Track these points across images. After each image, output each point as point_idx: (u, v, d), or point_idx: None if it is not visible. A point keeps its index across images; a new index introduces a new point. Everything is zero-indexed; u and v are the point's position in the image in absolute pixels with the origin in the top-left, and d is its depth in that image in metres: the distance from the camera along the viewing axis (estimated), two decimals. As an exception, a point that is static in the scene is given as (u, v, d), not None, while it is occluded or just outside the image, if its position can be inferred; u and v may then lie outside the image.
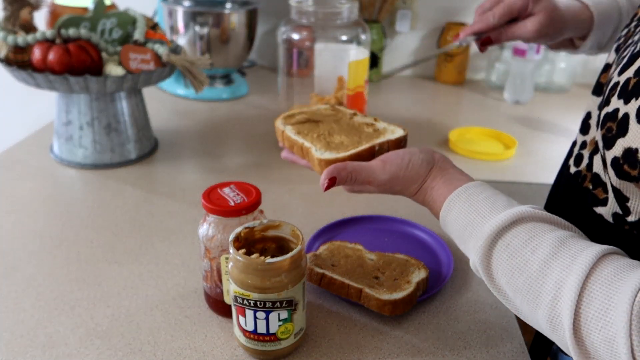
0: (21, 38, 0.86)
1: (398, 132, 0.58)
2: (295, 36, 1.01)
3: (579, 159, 0.55)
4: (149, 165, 0.97)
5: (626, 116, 0.42)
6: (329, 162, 0.54)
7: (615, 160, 0.43)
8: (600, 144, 0.46)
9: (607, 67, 0.54)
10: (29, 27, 0.91)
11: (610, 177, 0.45)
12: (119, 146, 0.95)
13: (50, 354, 0.56)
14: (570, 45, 0.76)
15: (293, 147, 0.59)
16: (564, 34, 0.72)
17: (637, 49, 0.45)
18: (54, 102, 0.94)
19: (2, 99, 1.69)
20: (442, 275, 0.68)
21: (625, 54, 0.48)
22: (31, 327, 0.59)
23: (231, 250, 0.52)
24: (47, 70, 0.84)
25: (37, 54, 0.85)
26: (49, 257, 0.71)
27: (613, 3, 0.71)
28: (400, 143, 0.57)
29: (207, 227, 0.57)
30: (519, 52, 1.31)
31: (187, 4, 1.27)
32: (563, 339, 0.40)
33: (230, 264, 0.53)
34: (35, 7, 0.91)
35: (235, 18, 1.27)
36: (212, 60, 0.97)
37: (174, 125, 1.16)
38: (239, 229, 0.55)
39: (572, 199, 0.56)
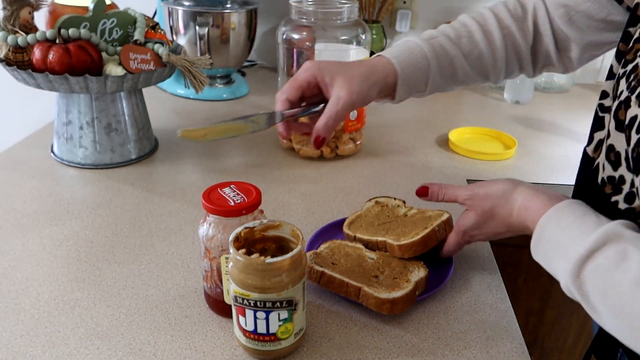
0: (21, 38, 0.85)
1: (445, 215, 0.69)
2: (295, 36, 1.01)
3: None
4: (149, 165, 0.97)
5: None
6: (407, 246, 0.65)
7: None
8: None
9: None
10: (29, 27, 0.91)
11: None
12: (119, 146, 0.95)
13: (50, 354, 0.56)
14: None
15: (367, 244, 0.70)
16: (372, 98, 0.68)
17: None
18: (54, 102, 0.94)
19: (2, 99, 1.69)
20: (442, 275, 0.68)
21: None
22: (31, 327, 0.59)
23: (231, 250, 0.52)
24: (47, 70, 0.84)
25: (37, 54, 0.85)
26: (49, 257, 0.71)
27: (417, 51, 0.68)
28: (450, 222, 0.69)
29: (207, 227, 0.57)
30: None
31: (187, 4, 1.27)
32: None
33: (230, 264, 0.53)
34: (35, 7, 0.91)
35: (235, 18, 1.27)
36: (212, 60, 0.97)
37: (174, 125, 1.16)
38: (239, 229, 0.55)
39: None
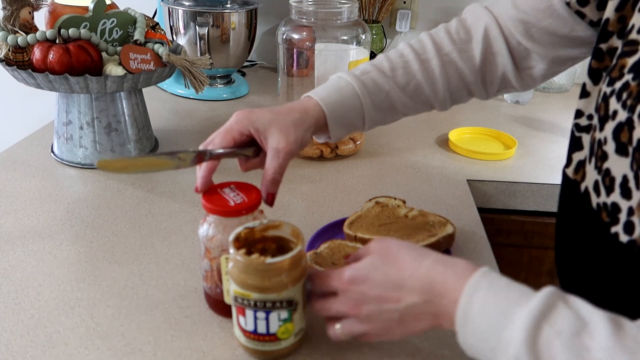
0: (21, 38, 0.86)
1: (449, 228, 0.71)
2: (295, 36, 1.01)
3: None
4: (149, 165, 0.97)
5: None
6: None
7: None
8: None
9: None
10: (29, 27, 0.91)
11: None
12: (119, 146, 0.95)
13: (50, 354, 0.56)
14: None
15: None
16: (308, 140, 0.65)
17: None
18: (54, 102, 0.94)
19: (2, 99, 1.70)
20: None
21: None
22: (31, 327, 0.59)
23: (231, 251, 0.52)
24: (47, 70, 0.84)
25: (37, 54, 0.85)
26: (49, 257, 0.71)
27: (346, 90, 0.65)
28: (454, 237, 0.71)
29: (207, 227, 0.57)
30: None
31: (187, 4, 1.27)
32: None
33: (231, 264, 0.53)
34: (35, 7, 0.91)
35: (235, 18, 1.27)
36: (212, 60, 0.97)
37: (174, 125, 1.16)
38: (239, 229, 0.55)
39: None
